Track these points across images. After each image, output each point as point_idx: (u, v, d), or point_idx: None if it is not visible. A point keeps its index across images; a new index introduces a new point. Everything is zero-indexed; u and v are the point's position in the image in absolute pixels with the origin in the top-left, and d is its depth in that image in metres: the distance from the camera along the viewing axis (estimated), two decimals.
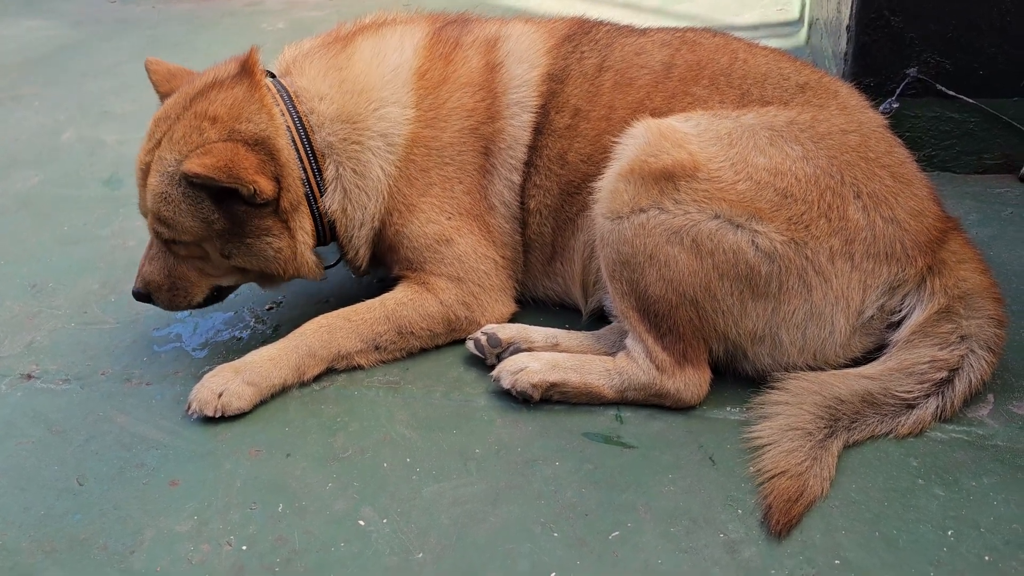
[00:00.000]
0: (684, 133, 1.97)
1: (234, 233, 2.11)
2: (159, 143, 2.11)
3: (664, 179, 1.93)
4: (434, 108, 2.21)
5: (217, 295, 2.29)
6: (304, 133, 2.16)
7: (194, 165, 1.98)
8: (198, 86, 2.16)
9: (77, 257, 2.79)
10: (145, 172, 2.13)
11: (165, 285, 2.19)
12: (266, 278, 2.25)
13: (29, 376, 2.26)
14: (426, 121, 2.21)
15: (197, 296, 2.23)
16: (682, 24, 4.37)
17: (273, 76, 2.26)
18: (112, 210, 3.07)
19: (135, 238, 2.88)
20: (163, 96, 2.28)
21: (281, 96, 2.17)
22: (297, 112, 2.17)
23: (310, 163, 2.16)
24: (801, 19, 4.31)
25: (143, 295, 2.21)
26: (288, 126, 2.14)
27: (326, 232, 2.24)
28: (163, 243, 2.17)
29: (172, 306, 2.23)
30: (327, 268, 2.32)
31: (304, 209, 2.17)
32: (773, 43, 3.97)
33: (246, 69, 2.15)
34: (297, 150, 2.15)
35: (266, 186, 2.05)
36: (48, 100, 4.14)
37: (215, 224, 2.09)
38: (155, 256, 2.19)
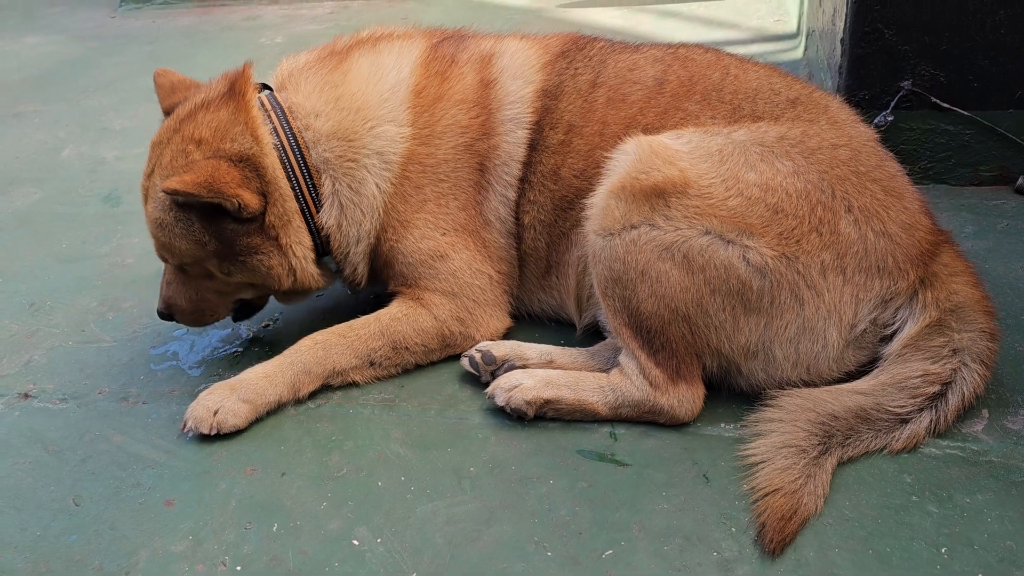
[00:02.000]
0: (675, 150, 1.98)
1: (227, 252, 2.14)
2: (153, 170, 2.15)
3: (655, 196, 1.93)
4: (429, 125, 2.23)
5: (246, 309, 2.36)
6: (298, 149, 2.17)
7: (173, 182, 2.00)
8: (188, 108, 2.19)
9: (75, 275, 2.81)
10: (145, 199, 2.19)
11: (186, 307, 2.25)
12: (280, 292, 2.28)
13: (26, 395, 2.27)
14: (421, 139, 2.22)
15: (221, 312, 2.31)
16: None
17: (271, 89, 2.28)
18: (111, 228, 3.09)
19: (133, 255, 2.89)
20: (166, 112, 2.31)
21: (275, 112, 2.19)
22: (291, 128, 2.18)
23: (305, 179, 2.18)
24: (798, 31, 4.33)
25: (166, 315, 2.28)
26: (281, 142, 2.16)
27: (321, 246, 2.25)
28: (173, 266, 2.23)
29: (198, 323, 2.31)
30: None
31: (299, 224, 2.18)
32: (771, 56, 3.98)
33: (234, 89, 2.16)
34: (291, 166, 2.16)
35: (251, 200, 2.07)
36: (48, 117, 4.16)
37: (208, 245, 2.12)
38: (171, 279, 2.25)
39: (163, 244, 2.16)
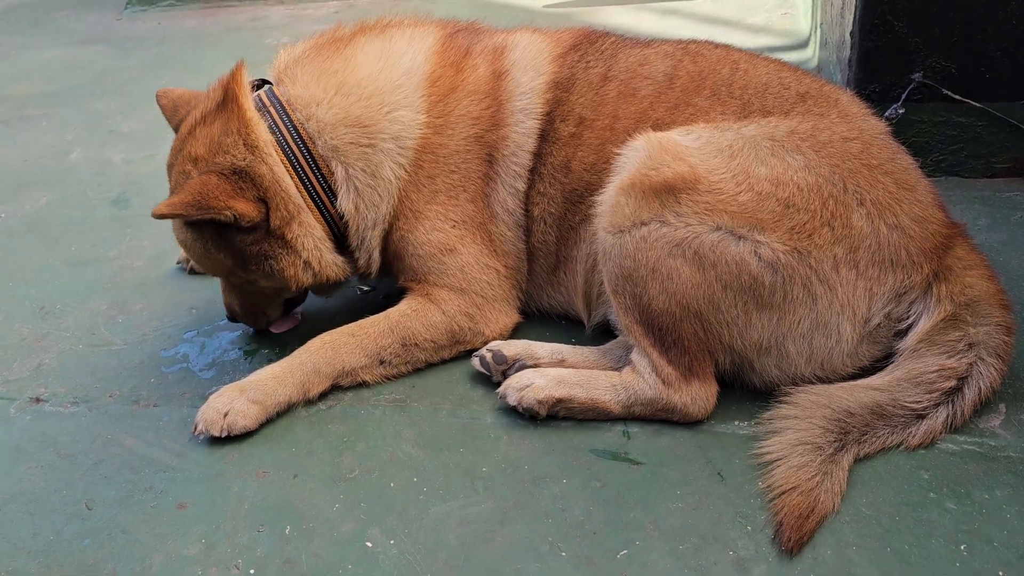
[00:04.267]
0: (685, 146, 1.96)
1: (244, 263, 2.17)
2: (170, 193, 2.20)
3: (665, 192, 1.92)
4: (443, 115, 2.22)
5: (292, 302, 2.44)
6: (302, 142, 2.17)
7: (162, 206, 2.04)
8: (189, 124, 2.21)
9: (85, 278, 2.81)
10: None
11: (240, 311, 2.35)
12: (310, 288, 2.32)
13: (38, 399, 2.27)
14: (435, 128, 2.21)
15: (273, 314, 2.39)
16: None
17: (270, 83, 2.28)
18: (119, 231, 3.09)
19: (142, 259, 2.89)
20: (175, 128, 2.32)
21: (274, 108, 2.19)
22: (292, 122, 2.18)
23: (313, 171, 2.18)
24: (807, 25, 4.30)
25: (231, 319, 2.40)
26: (284, 138, 2.16)
27: (340, 235, 2.25)
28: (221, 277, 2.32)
29: (256, 325, 2.40)
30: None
31: (307, 217, 2.17)
32: (779, 50, 3.95)
33: (226, 97, 2.16)
34: (296, 160, 2.16)
35: (246, 209, 2.08)
36: (55, 120, 4.17)
37: (226, 259, 2.17)
38: (224, 287, 2.35)
39: (194, 261, 2.28)
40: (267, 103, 2.20)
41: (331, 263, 2.22)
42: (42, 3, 6.21)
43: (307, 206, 2.18)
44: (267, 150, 2.13)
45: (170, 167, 2.23)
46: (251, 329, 2.47)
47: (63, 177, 3.57)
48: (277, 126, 2.16)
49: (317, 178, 2.18)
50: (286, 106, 2.19)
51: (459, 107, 2.23)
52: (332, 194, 2.20)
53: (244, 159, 2.11)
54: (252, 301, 2.33)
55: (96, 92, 4.49)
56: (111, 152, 3.77)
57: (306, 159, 2.17)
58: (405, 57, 2.25)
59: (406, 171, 2.20)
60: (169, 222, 2.28)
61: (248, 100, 2.18)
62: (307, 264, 2.19)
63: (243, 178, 2.11)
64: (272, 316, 2.39)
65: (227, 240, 2.13)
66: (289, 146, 2.16)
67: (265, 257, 2.16)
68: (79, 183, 3.50)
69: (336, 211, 2.21)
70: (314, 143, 2.18)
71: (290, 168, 2.16)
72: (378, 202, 2.21)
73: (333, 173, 2.19)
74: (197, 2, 5.86)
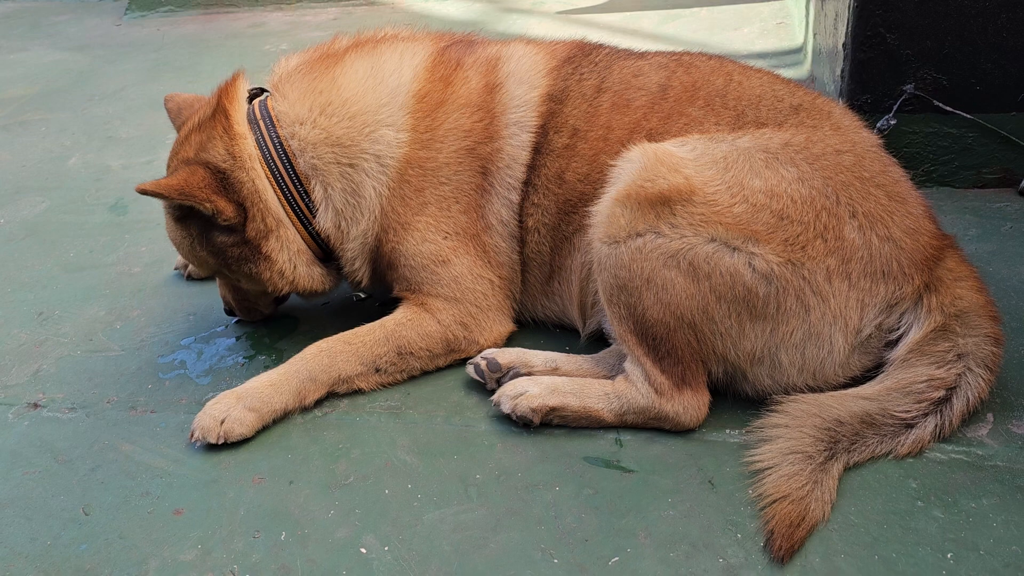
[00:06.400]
0: (680, 157, 1.99)
1: (225, 264, 2.26)
2: None
3: (660, 203, 1.94)
4: (431, 130, 2.24)
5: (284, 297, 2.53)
6: (286, 157, 2.22)
7: (147, 184, 2.13)
8: (186, 131, 2.31)
9: (83, 284, 2.82)
10: None
11: (236, 305, 2.47)
12: (295, 294, 2.39)
13: (36, 405, 2.28)
14: (422, 143, 2.24)
15: (264, 308, 2.50)
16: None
17: (265, 92, 2.34)
18: (118, 236, 3.10)
19: (140, 264, 2.91)
20: (177, 131, 2.41)
21: (264, 121, 2.25)
22: (279, 137, 2.22)
23: (295, 186, 2.23)
24: (802, 36, 4.33)
25: (228, 311, 2.52)
26: (269, 152, 2.21)
27: (325, 248, 2.31)
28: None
29: (251, 317, 2.52)
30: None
31: (285, 232, 2.24)
32: (773, 60, 3.98)
33: (218, 108, 2.25)
34: (280, 175, 2.22)
35: (226, 207, 2.17)
36: (54, 125, 4.18)
37: (208, 259, 2.26)
38: (220, 282, 2.47)
39: (184, 257, 2.35)
40: (258, 116, 2.26)
41: (305, 275, 2.29)
42: (42, 8, 6.23)
43: (289, 220, 2.25)
44: (250, 163, 2.21)
45: (167, 165, 2.31)
46: (247, 337, 2.49)
47: (61, 182, 3.58)
48: (264, 141, 2.22)
49: (300, 194, 2.24)
50: (275, 121, 2.24)
51: (448, 121, 2.25)
52: (315, 210, 2.25)
53: (226, 162, 2.20)
54: (243, 296, 2.44)
55: (95, 97, 4.51)
56: (109, 157, 3.79)
57: (289, 175, 2.22)
58: (393, 76, 2.28)
59: (388, 188, 2.23)
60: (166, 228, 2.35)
61: (238, 113, 2.25)
62: (281, 274, 2.27)
63: (226, 179, 2.19)
64: (266, 311, 2.50)
65: (210, 239, 2.23)
66: (274, 161, 2.22)
67: (244, 260, 2.24)
68: (77, 188, 3.52)
69: (316, 226, 2.26)
70: (297, 160, 2.23)
71: (274, 183, 2.22)
72: (359, 218, 2.25)
73: (312, 191, 2.24)
74: (197, 8, 5.89)
